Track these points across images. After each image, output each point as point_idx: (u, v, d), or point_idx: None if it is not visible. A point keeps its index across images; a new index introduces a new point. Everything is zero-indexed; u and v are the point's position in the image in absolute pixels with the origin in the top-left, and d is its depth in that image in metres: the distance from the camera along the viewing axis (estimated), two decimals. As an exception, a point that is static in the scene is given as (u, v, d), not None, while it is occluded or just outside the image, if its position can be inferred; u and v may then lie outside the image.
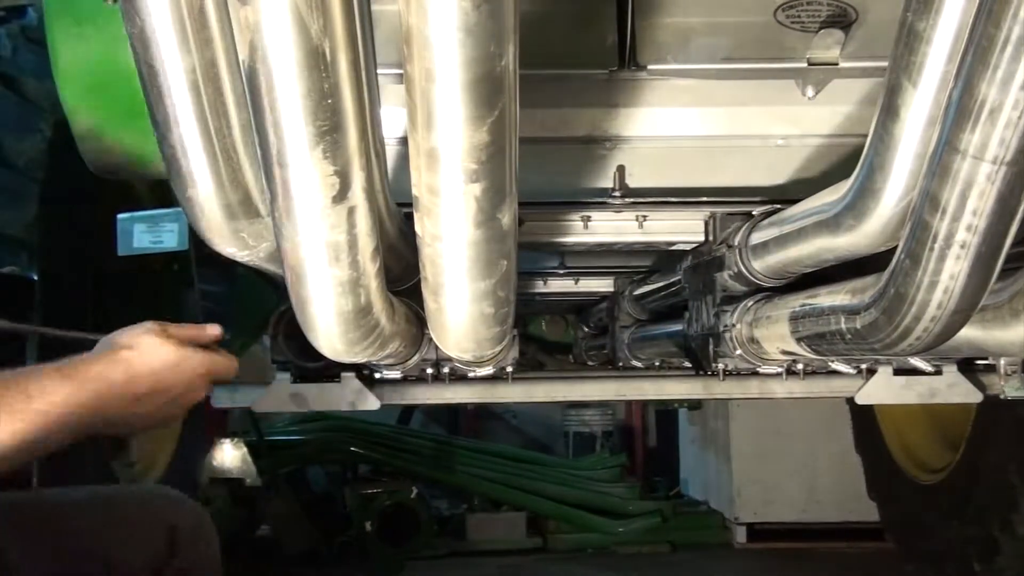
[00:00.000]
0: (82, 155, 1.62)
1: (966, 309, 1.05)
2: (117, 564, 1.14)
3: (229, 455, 3.32)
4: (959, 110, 0.88)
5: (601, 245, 1.90)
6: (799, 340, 1.44)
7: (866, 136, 1.14)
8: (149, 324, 1.17)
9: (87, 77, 1.45)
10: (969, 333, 1.22)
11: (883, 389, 1.77)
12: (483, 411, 6.03)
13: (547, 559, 4.22)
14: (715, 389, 1.84)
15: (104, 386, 1.12)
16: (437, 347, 1.45)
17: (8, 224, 3.26)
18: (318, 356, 1.52)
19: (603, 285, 2.92)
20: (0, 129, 2.38)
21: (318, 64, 0.78)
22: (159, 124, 1.08)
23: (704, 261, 1.83)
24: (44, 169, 2.77)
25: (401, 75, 0.81)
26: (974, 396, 1.77)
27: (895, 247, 1.11)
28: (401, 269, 1.42)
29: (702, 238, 1.82)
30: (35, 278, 3.02)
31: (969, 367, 1.77)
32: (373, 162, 0.98)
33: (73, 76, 1.50)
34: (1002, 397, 1.73)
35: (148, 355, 1.15)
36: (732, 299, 1.70)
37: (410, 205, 0.98)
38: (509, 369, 1.73)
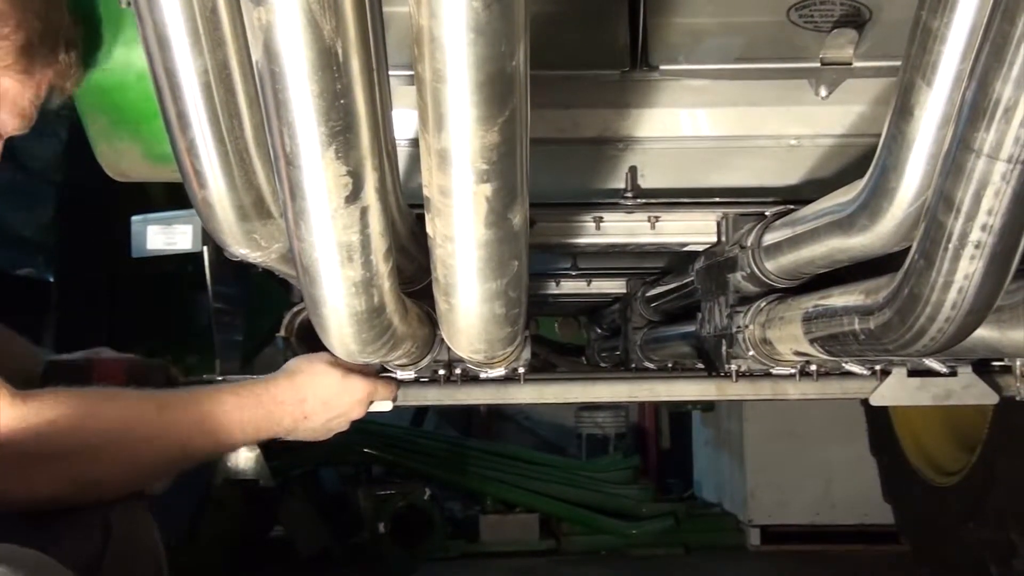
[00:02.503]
0: (97, 158, 1.64)
1: (981, 309, 1.04)
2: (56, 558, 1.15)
3: (243, 456, 3.34)
4: (974, 109, 0.87)
5: (613, 246, 1.90)
6: (812, 341, 1.43)
7: (879, 136, 1.13)
8: (322, 354, 1.37)
9: (101, 80, 1.46)
10: (984, 334, 1.21)
11: (897, 390, 1.76)
12: (496, 413, 6.04)
13: (560, 561, 4.22)
14: (728, 390, 1.83)
15: (279, 406, 1.37)
16: (449, 348, 1.45)
17: (24, 227, 3.29)
18: (331, 357, 1.53)
19: (615, 286, 2.92)
20: (16, 133, 2.39)
21: (331, 64, 0.79)
22: (172, 126, 1.08)
23: (716, 262, 1.82)
24: (60, 172, 2.80)
25: (412, 76, 0.81)
26: (990, 397, 1.75)
27: (909, 247, 1.10)
28: (413, 270, 1.42)
29: (714, 239, 1.82)
30: (51, 280, 3.05)
31: (985, 368, 1.76)
32: (385, 163, 0.99)
33: (88, 79, 1.51)
34: (1018, 399, 1.71)
35: (318, 380, 1.40)
36: (745, 300, 1.69)
37: (421, 206, 0.98)
38: (521, 370, 1.73)
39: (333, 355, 1.34)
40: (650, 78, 1.49)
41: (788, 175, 1.67)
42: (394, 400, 1.63)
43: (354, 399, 1.45)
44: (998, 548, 2.58)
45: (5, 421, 1.09)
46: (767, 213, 1.67)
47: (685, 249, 1.96)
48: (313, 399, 1.40)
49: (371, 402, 1.51)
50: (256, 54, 0.80)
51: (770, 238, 1.59)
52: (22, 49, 1.20)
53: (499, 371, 1.70)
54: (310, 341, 1.47)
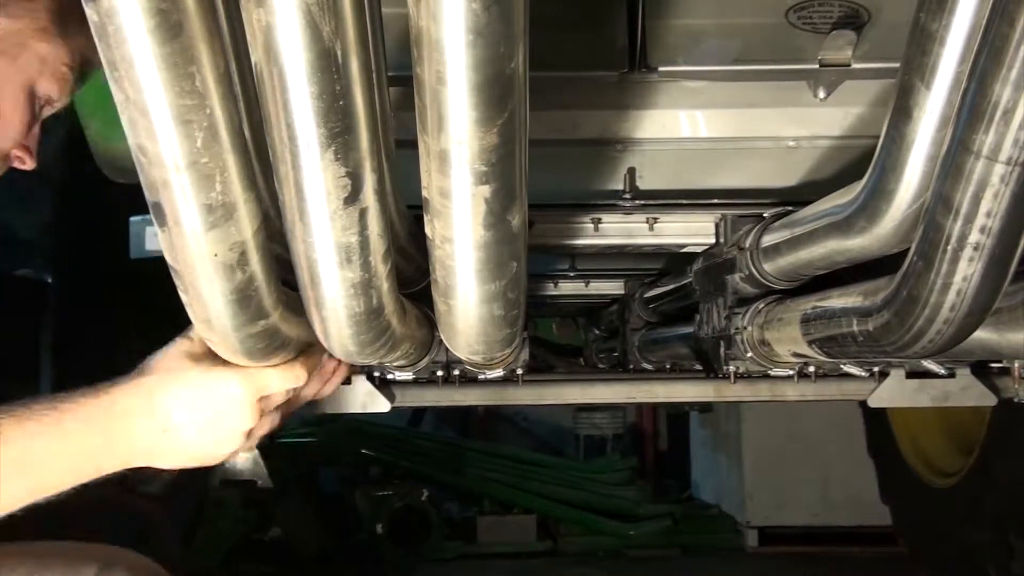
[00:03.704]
0: (95, 159, 1.64)
1: (979, 311, 1.04)
2: None
3: (241, 457, 3.34)
4: (972, 111, 0.88)
5: (612, 247, 1.90)
6: (811, 343, 1.43)
7: (878, 138, 1.14)
8: (180, 341, 1.05)
9: (99, 82, 1.46)
10: (983, 335, 1.21)
11: (896, 392, 1.76)
12: (494, 413, 6.04)
13: (558, 562, 4.21)
14: (726, 392, 1.83)
15: (122, 420, 1.01)
16: (447, 349, 1.45)
17: (23, 228, 3.29)
18: (329, 358, 1.52)
19: (614, 288, 2.92)
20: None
21: (330, 66, 0.79)
22: (171, 127, 1.08)
23: (715, 263, 1.83)
24: (58, 173, 2.80)
25: (411, 78, 0.81)
26: (988, 399, 1.76)
27: (907, 249, 1.10)
28: (411, 271, 1.42)
29: (713, 240, 1.82)
30: (49, 280, 3.05)
31: (983, 370, 1.76)
32: (384, 164, 0.99)
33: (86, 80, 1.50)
34: (1016, 400, 1.71)
35: (172, 380, 1.04)
36: (743, 301, 1.69)
37: (420, 207, 0.98)
38: (519, 371, 1.73)
39: (199, 342, 1.04)
40: (649, 79, 1.49)
41: (786, 176, 1.67)
42: (393, 404, 1.63)
43: (232, 398, 1.05)
44: (996, 550, 2.58)
45: None
46: (765, 215, 1.67)
47: (683, 250, 1.96)
48: (173, 403, 1.03)
49: (263, 401, 1.10)
50: (255, 55, 0.80)
51: (768, 239, 1.59)
52: (55, 12, 1.14)
53: (497, 372, 1.70)
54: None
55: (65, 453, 0.98)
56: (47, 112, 1.24)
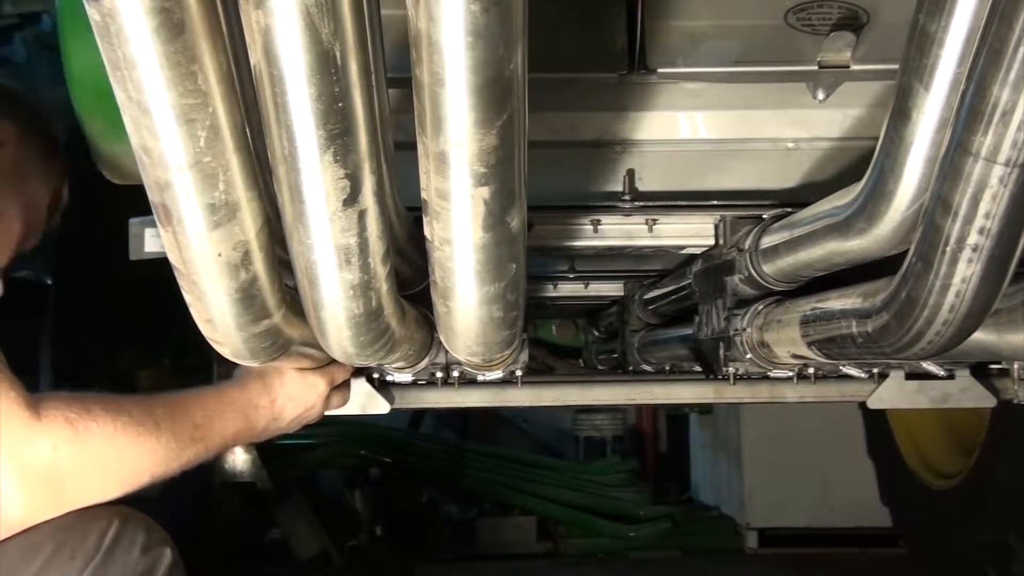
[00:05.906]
0: (95, 160, 1.64)
1: (978, 313, 1.05)
2: None
3: (240, 459, 3.34)
4: (971, 112, 0.88)
5: (611, 249, 1.90)
6: (810, 344, 1.43)
7: (877, 139, 1.14)
8: None
9: (100, 83, 1.46)
10: (982, 337, 1.21)
11: (895, 393, 1.77)
12: (493, 415, 6.03)
13: (557, 564, 4.21)
14: (725, 393, 1.83)
15: (254, 410, 1.39)
16: (447, 351, 1.45)
17: (22, 229, 3.28)
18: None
19: (613, 289, 2.92)
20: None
21: (329, 68, 0.79)
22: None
23: (714, 265, 1.83)
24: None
25: (410, 79, 0.81)
26: (987, 400, 1.76)
27: (907, 250, 1.10)
28: (411, 273, 1.42)
29: (712, 242, 1.82)
30: (49, 282, 3.04)
31: (982, 371, 1.76)
32: (383, 166, 0.99)
33: (86, 82, 1.51)
34: (1016, 402, 1.71)
35: (284, 378, 1.42)
36: (742, 303, 1.69)
37: (419, 209, 0.98)
38: (519, 373, 1.73)
39: None
40: (648, 81, 1.49)
41: (786, 178, 1.67)
42: (392, 405, 1.63)
43: (317, 391, 1.48)
44: (996, 551, 2.58)
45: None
46: (765, 216, 1.67)
47: (683, 252, 1.96)
48: (282, 397, 1.43)
49: (332, 390, 1.52)
50: (255, 57, 0.80)
51: (768, 241, 1.59)
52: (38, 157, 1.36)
53: (497, 374, 1.70)
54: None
55: (228, 427, 1.33)
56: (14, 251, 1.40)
